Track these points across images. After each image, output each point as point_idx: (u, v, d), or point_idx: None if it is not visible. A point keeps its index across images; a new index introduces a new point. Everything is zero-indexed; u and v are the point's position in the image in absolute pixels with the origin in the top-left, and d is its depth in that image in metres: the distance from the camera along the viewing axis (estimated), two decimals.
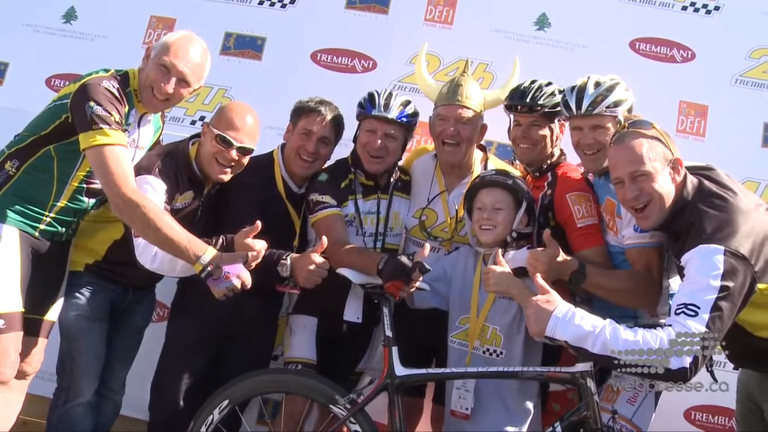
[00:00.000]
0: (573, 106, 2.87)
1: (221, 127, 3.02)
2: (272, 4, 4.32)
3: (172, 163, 3.00)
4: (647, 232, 2.67)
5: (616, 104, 2.84)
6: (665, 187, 2.49)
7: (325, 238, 2.84)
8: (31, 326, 2.90)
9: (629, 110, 2.88)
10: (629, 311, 2.83)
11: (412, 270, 2.71)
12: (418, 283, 2.79)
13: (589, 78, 2.89)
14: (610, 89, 2.85)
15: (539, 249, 2.74)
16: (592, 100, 2.83)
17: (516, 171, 3.24)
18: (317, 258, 2.78)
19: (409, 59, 4.01)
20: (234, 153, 3.01)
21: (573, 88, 2.91)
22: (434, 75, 3.91)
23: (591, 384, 2.57)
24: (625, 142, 2.55)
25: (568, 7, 4.12)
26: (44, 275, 2.93)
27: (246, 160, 3.09)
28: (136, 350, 3.31)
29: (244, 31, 4.29)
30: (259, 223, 2.73)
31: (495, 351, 2.84)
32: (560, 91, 3.04)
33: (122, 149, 2.74)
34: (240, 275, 2.68)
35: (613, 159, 2.61)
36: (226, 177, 3.07)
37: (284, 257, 2.82)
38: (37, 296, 2.91)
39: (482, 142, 3.46)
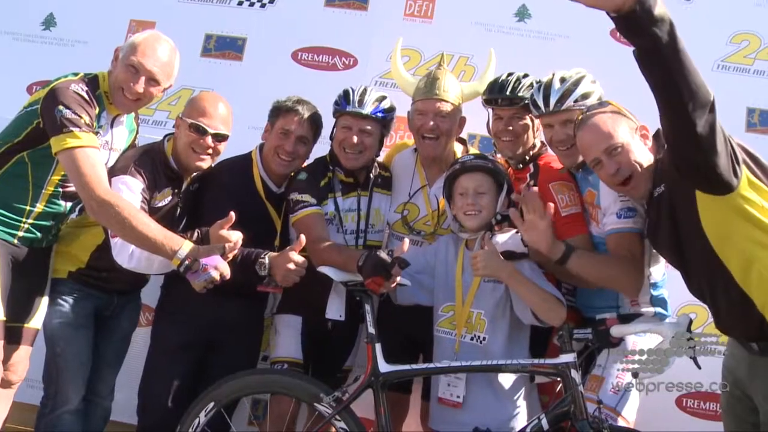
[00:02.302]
0: (541, 104, 2.87)
1: (194, 115, 3.02)
2: (252, 4, 4.29)
3: (149, 161, 2.99)
4: (630, 218, 2.66)
5: (584, 97, 2.84)
6: (642, 154, 2.50)
7: (303, 237, 2.83)
8: (14, 334, 2.89)
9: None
10: (611, 301, 2.81)
11: (391, 265, 2.69)
12: (398, 279, 2.77)
13: (554, 74, 2.90)
14: (576, 83, 2.85)
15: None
16: (559, 95, 2.84)
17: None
18: (295, 256, 2.77)
19: (390, 55, 3.96)
20: (209, 140, 3.01)
21: (540, 86, 2.91)
22: (415, 70, 3.90)
23: (575, 375, 2.55)
24: (588, 124, 2.57)
25: None
26: (25, 283, 2.92)
27: (222, 147, 3.08)
28: (123, 355, 3.29)
29: (224, 32, 4.27)
30: (233, 214, 2.73)
31: (478, 336, 2.82)
32: (538, 83, 3.02)
33: (94, 151, 2.73)
34: (218, 266, 2.68)
35: (582, 143, 2.61)
36: (205, 164, 3.06)
37: (262, 256, 2.80)
38: (18, 304, 2.90)
39: (465, 136, 3.44)
